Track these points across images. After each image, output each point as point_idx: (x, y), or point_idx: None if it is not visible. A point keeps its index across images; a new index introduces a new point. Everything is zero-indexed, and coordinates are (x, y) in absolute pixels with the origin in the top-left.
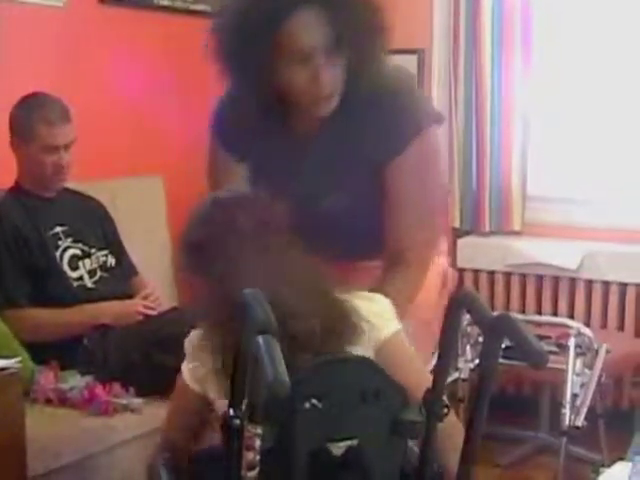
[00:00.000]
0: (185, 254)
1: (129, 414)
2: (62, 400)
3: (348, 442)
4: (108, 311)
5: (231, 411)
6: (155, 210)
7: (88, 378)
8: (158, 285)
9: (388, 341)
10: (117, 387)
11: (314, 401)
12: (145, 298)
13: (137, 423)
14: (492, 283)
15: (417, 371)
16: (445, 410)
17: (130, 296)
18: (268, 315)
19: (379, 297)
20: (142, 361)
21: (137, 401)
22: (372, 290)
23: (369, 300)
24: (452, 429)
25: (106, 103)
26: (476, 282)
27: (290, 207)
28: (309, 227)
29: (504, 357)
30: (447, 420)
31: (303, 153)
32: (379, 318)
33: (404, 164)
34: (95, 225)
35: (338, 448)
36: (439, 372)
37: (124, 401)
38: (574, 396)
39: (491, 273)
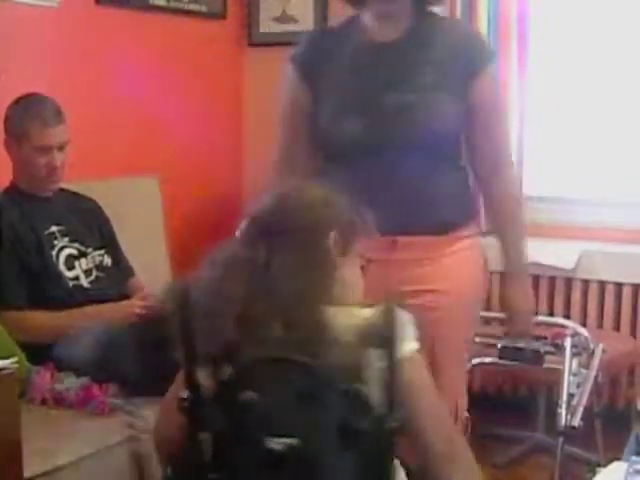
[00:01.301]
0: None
1: (125, 414)
2: (58, 400)
3: (287, 440)
4: (105, 312)
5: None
6: (151, 211)
7: (84, 379)
8: (155, 286)
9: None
10: (113, 387)
11: (250, 393)
12: (142, 299)
13: (133, 423)
14: (490, 284)
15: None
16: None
17: (126, 297)
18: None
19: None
20: (139, 362)
21: (134, 401)
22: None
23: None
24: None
25: (102, 103)
26: None
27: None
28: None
29: (501, 357)
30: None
31: (384, 60)
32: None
33: (485, 83)
34: (91, 225)
35: (277, 444)
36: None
37: (120, 401)
38: (570, 396)
39: (488, 273)
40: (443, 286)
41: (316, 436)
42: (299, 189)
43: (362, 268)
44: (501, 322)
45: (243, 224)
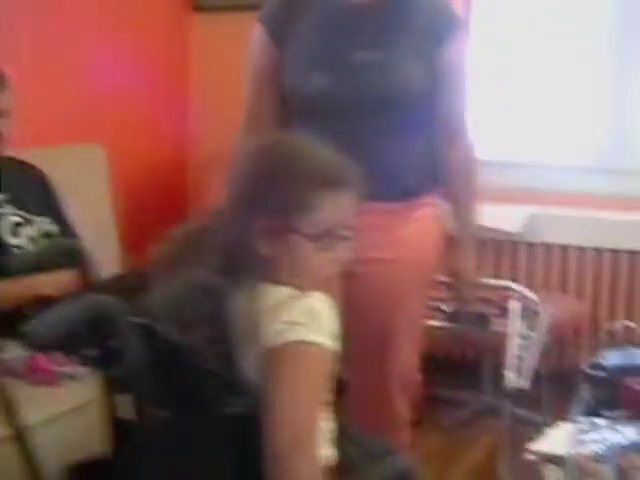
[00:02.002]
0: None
1: (74, 383)
2: (4, 371)
3: (167, 412)
4: (50, 281)
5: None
6: (97, 178)
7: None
8: (101, 254)
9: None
10: (61, 357)
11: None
12: (88, 267)
13: (82, 392)
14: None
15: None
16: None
17: (73, 265)
18: None
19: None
20: (86, 331)
21: (82, 370)
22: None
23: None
24: None
25: (45, 70)
26: None
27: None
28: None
29: (449, 321)
30: None
31: (355, 20)
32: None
33: (452, 50)
34: (36, 192)
35: (156, 413)
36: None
37: (68, 370)
38: (517, 358)
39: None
40: (401, 254)
41: (187, 408)
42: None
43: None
44: (447, 287)
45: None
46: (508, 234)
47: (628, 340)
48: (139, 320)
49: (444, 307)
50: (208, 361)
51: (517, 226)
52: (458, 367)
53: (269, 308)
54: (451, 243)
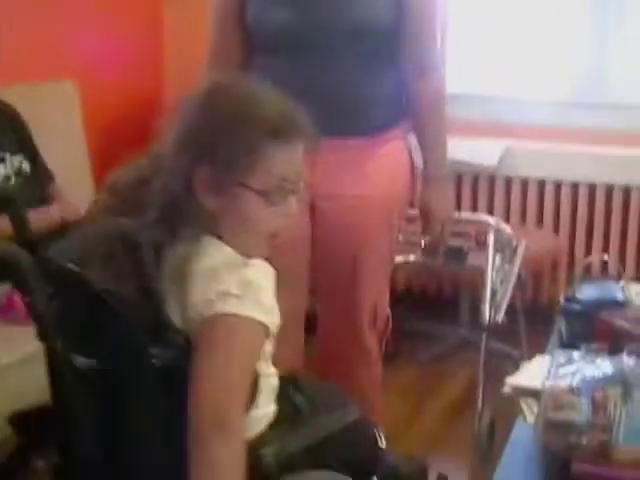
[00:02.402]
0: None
1: None
2: None
3: (89, 360)
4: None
5: None
6: (70, 116)
7: (6, 286)
8: (75, 193)
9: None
10: None
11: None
12: (63, 206)
13: None
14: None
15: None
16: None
17: (47, 203)
18: None
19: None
20: None
21: None
22: None
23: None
24: None
25: (18, 6)
26: None
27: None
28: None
29: (425, 255)
30: None
31: None
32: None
33: None
34: (7, 129)
35: (81, 362)
36: None
37: None
38: (494, 292)
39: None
40: (366, 190)
41: (116, 359)
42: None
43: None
44: (420, 223)
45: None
46: (485, 168)
47: (604, 274)
48: (60, 265)
49: (421, 241)
50: (132, 310)
51: (493, 160)
52: (434, 301)
53: (205, 271)
54: (423, 180)
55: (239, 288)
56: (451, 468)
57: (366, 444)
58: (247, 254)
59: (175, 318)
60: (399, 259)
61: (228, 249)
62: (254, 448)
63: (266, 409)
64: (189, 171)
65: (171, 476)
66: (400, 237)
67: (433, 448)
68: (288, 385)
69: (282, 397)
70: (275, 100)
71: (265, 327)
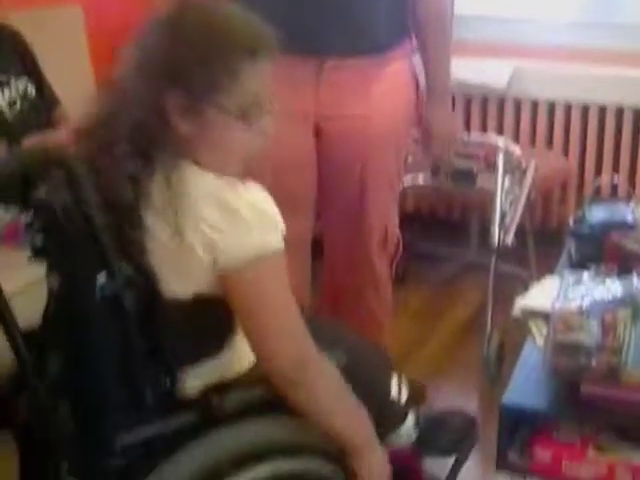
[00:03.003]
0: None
1: None
2: None
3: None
4: (30, 144)
5: None
6: (75, 42)
7: (13, 213)
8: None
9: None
10: None
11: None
12: (69, 130)
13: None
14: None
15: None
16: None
17: (53, 127)
18: None
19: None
20: None
21: None
22: None
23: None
24: None
25: None
26: None
27: None
28: None
29: (434, 178)
30: None
31: None
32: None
33: None
34: (11, 52)
35: (51, 283)
36: None
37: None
38: (503, 214)
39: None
40: (373, 111)
41: (77, 276)
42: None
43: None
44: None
45: None
46: (494, 89)
47: (613, 195)
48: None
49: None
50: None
51: (503, 81)
52: (444, 224)
53: (198, 199)
54: (426, 98)
55: (254, 219)
56: (460, 390)
57: (368, 393)
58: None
59: (165, 244)
60: (408, 181)
61: (210, 176)
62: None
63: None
64: (160, 97)
65: (122, 403)
66: (409, 158)
67: (442, 370)
68: None
69: None
70: (246, 18)
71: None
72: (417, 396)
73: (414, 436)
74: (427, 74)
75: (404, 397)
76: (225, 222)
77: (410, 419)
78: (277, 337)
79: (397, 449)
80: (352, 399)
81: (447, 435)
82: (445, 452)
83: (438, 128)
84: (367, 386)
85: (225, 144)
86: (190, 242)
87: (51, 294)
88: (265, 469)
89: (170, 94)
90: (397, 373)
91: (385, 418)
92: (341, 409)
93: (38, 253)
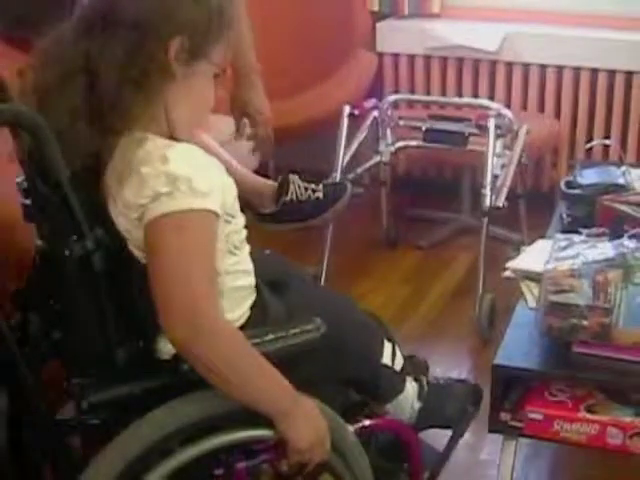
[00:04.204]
0: None
1: None
2: None
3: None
4: None
5: None
6: None
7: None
8: None
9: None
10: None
11: None
12: None
13: None
14: (412, 67)
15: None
16: None
17: None
18: None
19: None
20: None
21: None
22: None
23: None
24: None
25: None
26: (396, 66)
27: None
28: None
29: (425, 140)
30: None
31: None
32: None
33: None
34: None
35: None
36: None
37: None
38: (495, 177)
39: (411, 57)
40: None
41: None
42: None
43: (216, 77)
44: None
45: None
46: (486, 53)
47: (605, 158)
48: None
49: (422, 126)
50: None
51: (494, 45)
52: (435, 187)
53: (134, 170)
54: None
55: (167, 185)
56: (452, 351)
57: (358, 361)
58: (186, 135)
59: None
60: (400, 144)
61: (159, 140)
62: None
63: (231, 314)
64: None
65: (95, 362)
66: (402, 122)
67: (434, 332)
68: (266, 287)
69: (258, 301)
70: None
71: (210, 212)
72: (418, 369)
73: (417, 407)
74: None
75: (399, 364)
76: (140, 196)
77: (410, 389)
78: (177, 287)
79: (393, 420)
80: (260, 363)
81: (453, 404)
82: (451, 421)
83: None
84: (356, 352)
85: (201, 99)
86: (128, 208)
87: (37, 255)
88: (222, 439)
89: (172, 42)
90: (391, 340)
91: (379, 386)
92: (244, 373)
93: (27, 216)
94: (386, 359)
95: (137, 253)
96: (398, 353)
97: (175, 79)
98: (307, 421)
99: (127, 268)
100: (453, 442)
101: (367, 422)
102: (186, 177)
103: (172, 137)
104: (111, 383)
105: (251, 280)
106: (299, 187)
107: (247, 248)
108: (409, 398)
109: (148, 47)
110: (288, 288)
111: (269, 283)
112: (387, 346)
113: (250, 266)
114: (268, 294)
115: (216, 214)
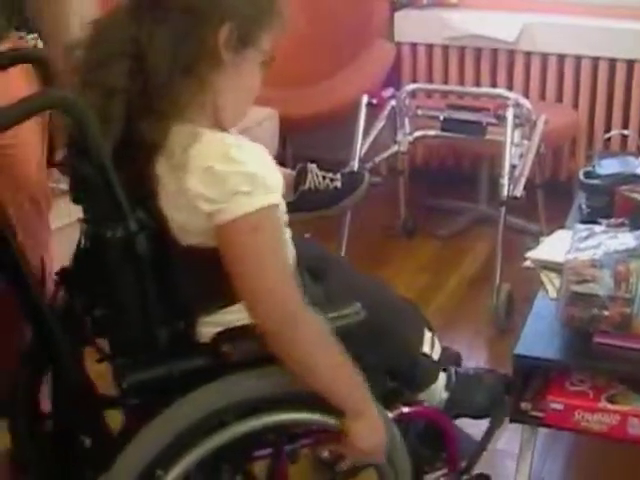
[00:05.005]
0: None
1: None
2: None
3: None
4: None
5: None
6: None
7: None
8: None
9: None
10: (55, 172)
11: None
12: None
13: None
14: (430, 56)
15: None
16: None
17: None
18: None
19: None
20: None
21: None
22: None
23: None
24: None
25: None
26: (414, 55)
27: None
28: None
29: (443, 130)
30: None
31: None
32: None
33: None
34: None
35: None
36: None
37: (64, 186)
38: (513, 167)
39: (429, 46)
40: None
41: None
42: None
43: (263, 64)
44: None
45: None
46: (504, 43)
47: (623, 148)
48: None
49: (440, 115)
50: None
51: (513, 35)
52: (453, 177)
53: (202, 160)
54: None
55: (246, 184)
56: (469, 341)
57: (399, 348)
58: (232, 124)
59: (173, 194)
60: (418, 134)
61: (215, 137)
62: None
63: None
64: (211, 31)
65: (144, 345)
66: (420, 112)
67: (451, 321)
68: (306, 273)
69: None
70: None
71: (277, 205)
72: (451, 360)
73: (445, 396)
74: None
75: (437, 354)
76: (216, 192)
77: (442, 378)
78: (268, 283)
79: (431, 407)
80: (342, 360)
81: (482, 394)
82: (481, 411)
83: None
84: (396, 339)
85: (248, 87)
86: (192, 199)
87: (82, 235)
88: (267, 420)
89: (222, 28)
90: (431, 330)
91: (416, 374)
92: (327, 366)
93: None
94: (426, 348)
95: (180, 235)
96: (437, 343)
97: (224, 66)
98: (373, 427)
99: (169, 250)
100: (491, 431)
101: (405, 409)
102: (262, 175)
103: (217, 125)
104: (151, 364)
105: (293, 264)
106: (317, 176)
107: (289, 232)
108: (440, 387)
109: (198, 33)
110: (326, 273)
111: (308, 268)
112: (427, 335)
113: (292, 250)
114: (307, 279)
115: (280, 205)
